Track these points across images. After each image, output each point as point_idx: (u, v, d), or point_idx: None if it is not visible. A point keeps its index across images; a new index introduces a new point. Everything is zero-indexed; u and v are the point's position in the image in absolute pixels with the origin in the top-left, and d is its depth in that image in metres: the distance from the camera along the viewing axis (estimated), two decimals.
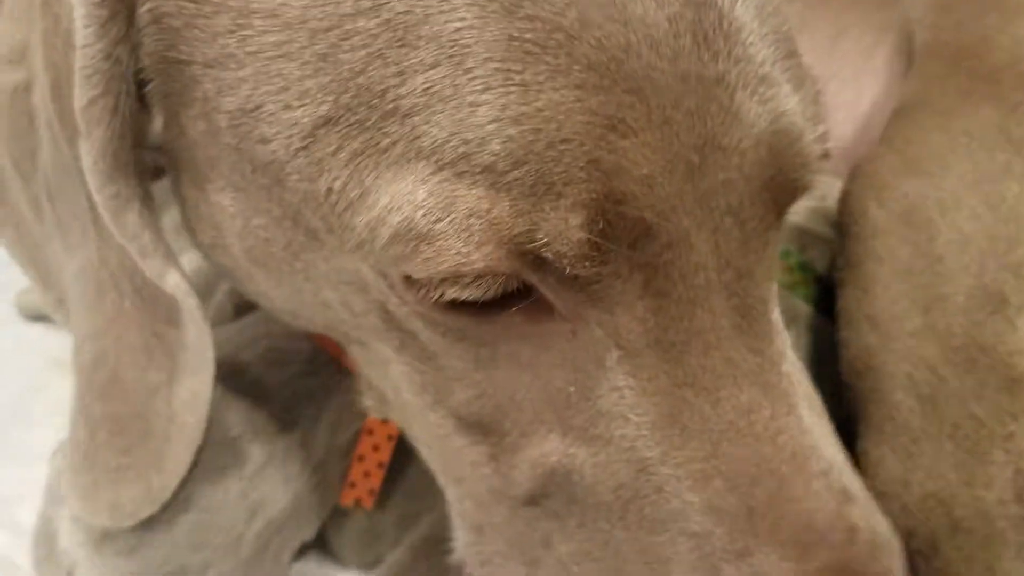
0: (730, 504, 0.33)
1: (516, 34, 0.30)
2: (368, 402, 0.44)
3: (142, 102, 0.38)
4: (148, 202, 0.39)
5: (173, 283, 0.40)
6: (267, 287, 0.40)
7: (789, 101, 0.34)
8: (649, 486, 0.34)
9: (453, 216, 0.31)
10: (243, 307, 0.58)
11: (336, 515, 0.54)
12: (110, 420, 0.43)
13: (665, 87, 0.31)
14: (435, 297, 0.33)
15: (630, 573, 0.35)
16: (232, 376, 0.51)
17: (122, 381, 0.43)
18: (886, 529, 0.35)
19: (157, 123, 0.38)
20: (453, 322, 0.34)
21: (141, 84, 0.37)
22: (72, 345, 0.44)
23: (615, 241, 0.31)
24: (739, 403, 0.34)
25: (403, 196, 0.31)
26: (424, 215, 0.31)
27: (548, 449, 0.35)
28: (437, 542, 0.45)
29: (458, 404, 0.37)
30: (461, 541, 0.41)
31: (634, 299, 0.33)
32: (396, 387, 0.39)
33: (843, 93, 0.67)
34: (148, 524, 0.46)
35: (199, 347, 0.41)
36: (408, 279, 0.33)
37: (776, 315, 0.36)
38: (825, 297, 0.53)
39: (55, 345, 0.72)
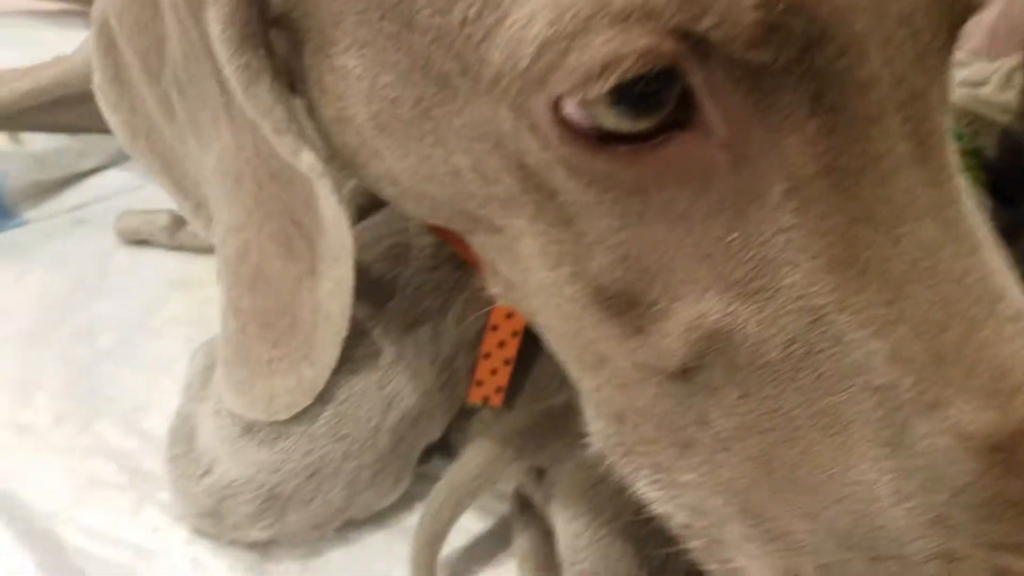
0: (917, 351, 0.30)
1: None
2: (494, 289, 0.42)
3: None
4: (279, 77, 0.38)
5: (308, 162, 0.39)
6: (393, 161, 0.38)
7: None
8: (825, 338, 0.31)
9: (608, 8, 0.28)
10: (367, 209, 0.58)
11: (460, 416, 0.54)
12: (259, 313, 0.43)
13: None
14: (586, 127, 0.30)
15: (803, 442, 0.32)
16: (357, 275, 0.51)
17: (266, 273, 0.43)
18: None
19: None
20: (602, 164, 0.31)
21: None
22: (217, 241, 0.45)
23: (789, 33, 0.28)
24: (921, 240, 0.31)
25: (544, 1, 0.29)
26: (573, 13, 0.28)
27: (705, 309, 0.32)
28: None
29: (599, 272, 0.34)
30: (600, 433, 0.39)
31: (804, 116, 0.30)
32: (526, 267, 0.37)
33: None
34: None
35: (336, 232, 0.41)
36: (556, 110, 0.31)
37: (952, 152, 0.33)
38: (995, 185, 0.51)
39: (172, 265, 0.73)
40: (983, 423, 0.30)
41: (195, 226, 0.50)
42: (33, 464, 0.57)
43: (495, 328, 0.53)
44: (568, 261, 0.35)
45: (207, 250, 0.68)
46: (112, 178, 0.85)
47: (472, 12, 0.31)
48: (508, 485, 0.52)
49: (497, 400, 0.53)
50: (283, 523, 0.48)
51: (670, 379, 0.34)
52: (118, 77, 0.46)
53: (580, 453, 0.40)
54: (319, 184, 0.40)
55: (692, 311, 0.32)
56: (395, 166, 0.39)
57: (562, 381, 0.52)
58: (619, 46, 0.28)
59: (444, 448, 0.55)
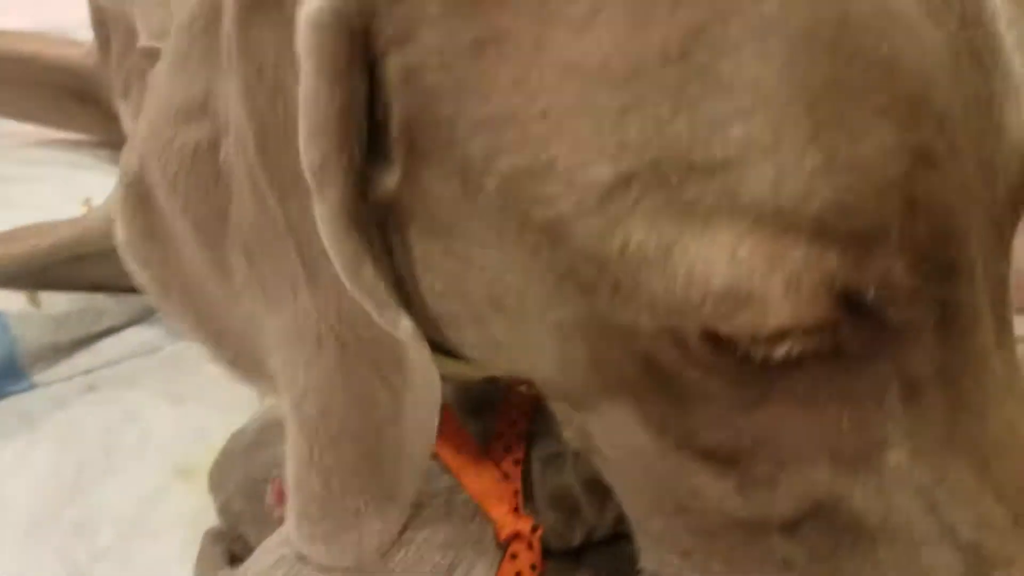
0: (999, 515, 0.34)
1: (839, 74, 0.29)
2: (567, 433, 0.43)
3: (375, 152, 0.36)
4: (379, 253, 0.38)
5: (406, 330, 0.39)
6: (500, 333, 0.38)
7: None
8: (922, 506, 0.34)
9: (780, 271, 0.29)
10: None
11: None
12: (343, 467, 0.43)
13: (954, 112, 0.30)
14: (744, 353, 0.31)
15: None
16: None
17: (350, 427, 0.43)
18: None
19: (390, 179, 0.36)
20: (736, 369, 0.32)
21: (375, 134, 0.35)
22: (286, 402, 0.44)
23: (934, 280, 0.31)
24: (1003, 418, 0.34)
25: (720, 255, 0.29)
26: (747, 273, 0.29)
27: (814, 480, 0.35)
28: None
29: (707, 443, 0.35)
30: (656, 559, 0.41)
31: (926, 331, 0.32)
32: (617, 430, 0.38)
33: None
34: None
35: (426, 385, 0.41)
36: (711, 335, 0.31)
37: (1012, 312, 0.36)
38: None
39: (178, 449, 0.72)
40: None
41: (231, 375, 0.49)
42: None
43: (514, 557, 0.50)
44: (673, 431, 0.36)
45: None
46: (128, 340, 0.84)
47: (634, 241, 0.30)
48: None
49: None
50: None
51: (764, 532, 0.37)
52: (151, 233, 0.45)
53: None
54: (415, 347, 0.40)
55: (800, 480, 0.35)
56: (502, 338, 0.38)
57: None
58: (791, 319, 0.30)
59: None
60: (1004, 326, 0.35)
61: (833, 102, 0.28)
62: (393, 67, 0.33)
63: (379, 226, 0.38)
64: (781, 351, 0.31)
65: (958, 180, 0.30)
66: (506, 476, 0.50)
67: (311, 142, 0.34)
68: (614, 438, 0.38)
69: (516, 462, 0.50)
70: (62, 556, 0.63)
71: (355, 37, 0.33)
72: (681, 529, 0.39)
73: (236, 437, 0.62)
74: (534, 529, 0.49)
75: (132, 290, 0.83)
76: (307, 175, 0.35)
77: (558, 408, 0.43)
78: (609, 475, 0.42)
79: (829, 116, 0.28)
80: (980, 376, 0.34)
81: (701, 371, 0.33)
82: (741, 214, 0.29)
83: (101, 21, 0.76)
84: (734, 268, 0.29)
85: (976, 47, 0.31)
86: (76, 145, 1.11)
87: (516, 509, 0.50)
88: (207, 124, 0.40)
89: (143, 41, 0.70)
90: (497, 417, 0.53)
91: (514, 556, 0.50)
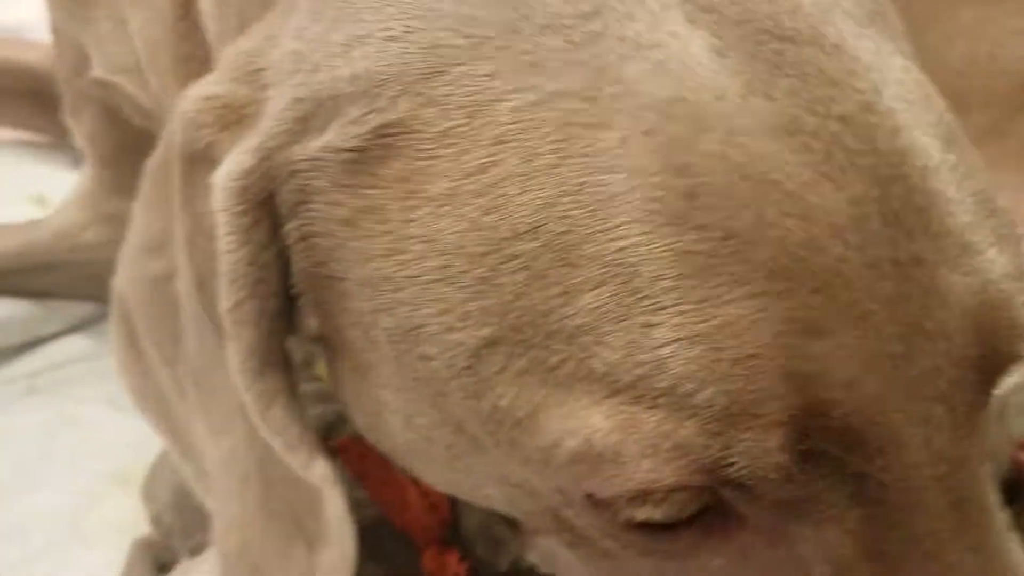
0: None
1: (687, 247, 0.29)
2: (533, 559, 0.43)
3: (294, 300, 0.38)
4: (294, 394, 0.39)
5: (319, 474, 0.39)
6: (424, 471, 0.40)
7: (995, 266, 0.32)
8: None
9: (636, 438, 0.29)
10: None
11: None
12: None
13: (856, 278, 0.29)
14: (621, 517, 0.32)
15: None
16: None
17: (264, 568, 0.43)
18: None
19: (311, 323, 0.38)
20: (637, 539, 0.33)
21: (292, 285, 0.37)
22: (216, 529, 0.45)
23: (821, 457, 0.29)
24: None
25: (577, 419, 0.30)
26: (603, 438, 0.30)
27: None
28: None
29: None
30: None
31: (843, 511, 0.31)
32: (564, 560, 0.39)
33: None
34: None
35: (339, 540, 0.41)
36: (590, 496, 0.32)
37: (993, 497, 0.33)
38: None
39: (116, 454, 0.72)
40: None
41: (196, 491, 0.50)
42: None
43: None
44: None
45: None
46: (71, 345, 0.84)
47: (503, 402, 0.32)
48: None
49: None
50: None
51: None
52: (133, 344, 0.47)
53: None
54: (330, 494, 0.40)
55: None
56: (426, 475, 0.40)
57: None
58: (650, 479, 0.29)
59: None
60: (966, 508, 0.31)
61: (681, 275, 0.29)
62: (293, 230, 0.36)
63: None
64: (656, 512, 0.31)
65: (864, 350, 0.29)
66: (434, 507, 0.52)
67: (226, 288, 0.36)
68: (563, 566, 0.40)
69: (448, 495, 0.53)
70: None
71: (261, 202, 0.35)
72: None
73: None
74: (460, 560, 0.51)
75: (77, 297, 0.85)
76: (222, 319, 0.37)
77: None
78: None
79: (675, 289, 0.29)
80: (929, 563, 0.31)
81: (604, 535, 0.34)
82: (598, 381, 0.30)
83: (56, 32, 0.77)
84: (590, 433, 0.30)
85: (894, 206, 0.30)
86: (30, 144, 1.11)
87: (443, 540, 0.52)
88: (165, 260, 0.42)
89: (98, 72, 0.70)
90: None
91: None
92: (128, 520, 0.66)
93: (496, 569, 0.54)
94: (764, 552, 0.32)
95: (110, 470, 0.71)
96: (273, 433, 0.39)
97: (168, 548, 0.61)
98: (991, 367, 0.32)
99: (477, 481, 0.37)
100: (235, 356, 0.37)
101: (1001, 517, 0.33)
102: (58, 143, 1.07)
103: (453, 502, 0.54)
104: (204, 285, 0.39)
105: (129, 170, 0.48)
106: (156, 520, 0.62)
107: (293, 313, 0.38)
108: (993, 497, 0.33)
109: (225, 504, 0.44)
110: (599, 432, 0.30)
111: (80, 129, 0.78)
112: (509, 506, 0.38)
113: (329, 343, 0.39)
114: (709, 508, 0.31)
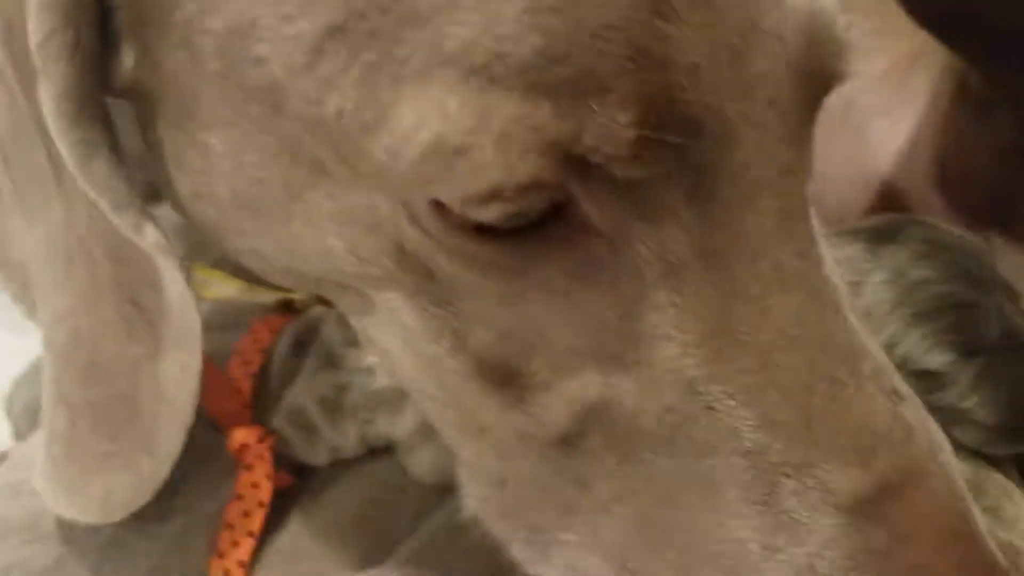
0: (786, 415, 0.32)
1: None
2: (370, 358, 0.42)
3: (107, 39, 0.35)
4: (117, 150, 0.37)
5: (151, 239, 0.37)
6: (257, 238, 0.37)
7: None
8: (698, 406, 0.32)
9: (490, 125, 0.28)
10: None
11: None
12: (92, 405, 0.41)
13: None
14: (468, 221, 0.31)
15: (679, 504, 0.33)
16: None
17: (102, 361, 0.40)
18: (937, 428, 0.35)
19: (127, 60, 0.35)
20: (482, 251, 0.31)
21: (107, 15, 0.34)
22: (44, 328, 0.42)
23: (664, 145, 0.29)
24: (788, 310, 0.32)
25: (430, 110, 0.29)
26: (457, 128, 0.28)
27: (585, 382, 0.33)
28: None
29: (480, 347, 0.34)
30: (477, 496, 0.39)
31: (680, 205, 0.31)
32: (405, 339, 0.37)
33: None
34: None
35: (181, 313, 0.39)
36: (437, 204, 0.31)
37: (814, 218, 0.34)
38: None
39: None
40: (847, 480, 0.31)
41: (22, 310, 0.46)
42: None
43: (240, 497, 0.50)
44: (448, 335, 0.35)
45: None
46: None
47: (349, 104, 0.30)
48: None
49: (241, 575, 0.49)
50: None
51: (551, 446, 0.35)
52: None
53: None
54: (164, 262, 0.38)
55: (572, 384, 0.34)
56: (261, 245, 0.37)
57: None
58: (503, 176, 0.29)
59: None
60: (794, 216, 0.32)
61: None
62: None
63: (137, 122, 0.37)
64: (506, 210, 0.30)
65: (707, 39, 0.29)
66: (238, 391, 0.49)
67: (35, 18, 0.33)
68: (403, 347, 0.37)
69: (250, 376, 0.49)
70: None
71: None
72: (488, 454, 0.37)
73: (33, 362, 0.62)
74: (262, 439, 0.48)
75: None
76: (33, 54, 0.34)
77: (355, 325, 0.41)
78: (417, 399, 0.40)
79: None
80: (754, 263, 0.32)
81: (449, 256, 0.32)
82: (452, 65, 0.28)
83: None
84: (444, 123, 0.28)
85: None
86: None
87: (247, 422, 0.49)
88: None
89: None
90: (246, 333, 0.52)
91: (249, 467, 0.49)
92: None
93: (316, 460, 0.51)
94: (606, 260, 0.32)
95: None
96: (97, 191, 0.36)
97: None
98: (817, 84, 0.33)
99: (317, 230, 0.34)
100: (49, 101, 0.34)
101: (822, 238, 0.34)
102: None
103: (265, 389, 0.51)
104: (11, 31, 0.36)
105: None
106: (15, 432, 0.61)
107: (109, 62, 0.35)
108: (815, 218, 0.34)
109: (51, 298, 0.40)
110: (452, 122, 0.28)
111: None
112: (350, 255, 0.34)
113: (146, 93, 0.36)
114: (555, 215, 0.31)
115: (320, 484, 0.52)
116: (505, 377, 0.35)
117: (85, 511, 0.42)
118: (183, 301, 0.38)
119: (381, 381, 0.51)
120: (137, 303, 0.39)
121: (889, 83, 0.62)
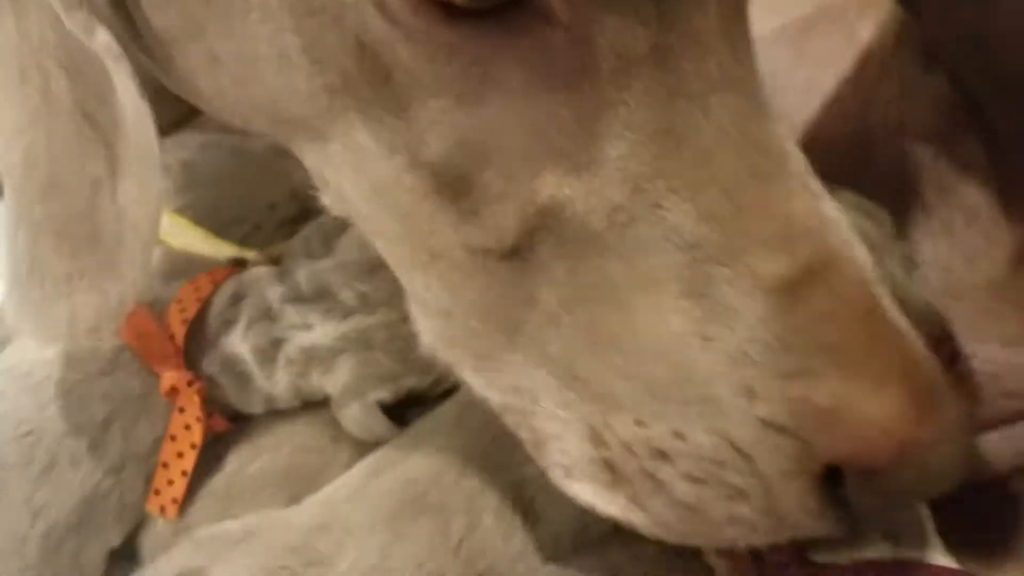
0: (722, 209, 0.33)
1: None
2: (326, 201, 0.41)
3: None
4: None
5: (102, 41, 0.37)
6: (215, 40, 0.37)
7: None
8: (644, 204, 0.34)
9: None
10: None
11: (146, 521, 0.53)
12: (53, 222, 0.40)
13: None
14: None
15: (625, 305, 0.35)
16: (23, 376, 0.51)
17: (60, 179, 0.40)
18: (850, 223, 0.36)
19: None
20: (446, 34, 0.32)
21: None
22: None
23: None
24: (728, 110, 0.34)
25: None
26: None
27: (537, 186, 0.34)
28: None
29: (434, 158, 0.35)
30: (427, 329, 0.40)
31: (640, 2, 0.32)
32: (358, 164, 0.37)
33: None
34: None
35: (136, 127, 0.38)
36: None
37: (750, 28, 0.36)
38: None
39: None
40: (774, 266, 0.33)
41: None
42: None
43: (173, 438, 0.51)
44: (402, 149, 0.35)
45: None
46: None
47: None
48: None
49: (172, 512, 0.51)
50: None
51: (501, 261, 0.36)
52: None
53: None
54: (116, 69, 0.37)
55: (525, 189, 0.34)
56: (217, 47, 0.37)
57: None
58: None
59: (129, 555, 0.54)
60: (736, 21, 0.34)
61: None
62: None
63: None
64: None
65: None
66: (171, 336, 0.51)
67: None
68: (354, 174, 0.37)
69: (184, 322, 0.51)
70: None
71: None
72: (436, 284, 0.38)
73: None
74: (191, 383, 0.50)
75: None
76: None
77: (311, 168, 0.41)
78: (374, 238, 0.40)
79: None
80: (701, 61, 0.33)
81: (412, 45, 0.33)
82: None
83: None
84: None
85: None
86: None
87: (177, 367, 0.50)
88: None
89: None
90: (187, 283, 0.53)
91: (182, 409, 0.51)
92: None
93: (250, 408, 0.53)
94: (563, 55, 0.33)
95: None
96: None
97: None
98: None
99: (276, 25, 0.34)
100: None
101: (755, 53, 0.35)
102: None
103: (200, 338, 0.52)
104: None
105: None
106: None
107: None
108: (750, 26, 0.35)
109: (4, 115, 0.40)
110: None
111: None
112: (306, 58, 0.35)
113: None
114: (518, 2, 0.32)
115: (256, 432, 0.53)
116: (460, 189, 0.35)
117: (51, 333, 0.41)
118: (138, 114, 0.38)
119: (317, 334, 0.52)
120: (91, 118, 0.39)
121: (837, 28, 0.62)
